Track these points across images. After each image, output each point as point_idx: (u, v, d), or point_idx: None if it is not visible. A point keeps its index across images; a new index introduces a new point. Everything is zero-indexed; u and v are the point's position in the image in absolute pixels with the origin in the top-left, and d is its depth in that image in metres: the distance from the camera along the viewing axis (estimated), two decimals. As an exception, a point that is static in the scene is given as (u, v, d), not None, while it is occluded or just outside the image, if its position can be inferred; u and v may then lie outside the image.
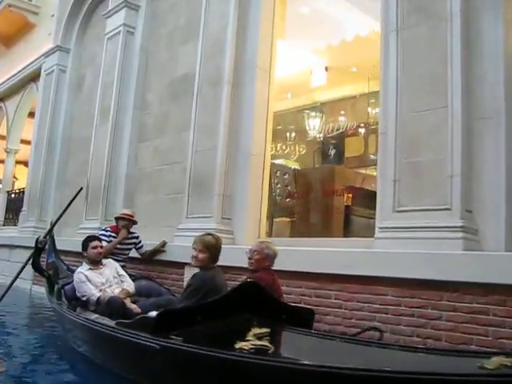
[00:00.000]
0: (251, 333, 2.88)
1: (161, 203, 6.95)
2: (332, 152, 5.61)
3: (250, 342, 2.69)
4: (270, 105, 5.82)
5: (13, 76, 11.92)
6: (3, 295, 6.83)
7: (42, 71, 10.35)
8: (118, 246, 5.68)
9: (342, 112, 8.83)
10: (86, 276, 4.66)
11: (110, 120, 7.76)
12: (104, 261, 5.02)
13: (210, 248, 3.69)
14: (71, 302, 4.70)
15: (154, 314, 3.32)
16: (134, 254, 6.18)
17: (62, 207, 9.32)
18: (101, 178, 7.68)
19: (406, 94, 4.19)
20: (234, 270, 5.10)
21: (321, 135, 8.84)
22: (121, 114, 7.76)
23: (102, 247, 5.02)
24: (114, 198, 7.62)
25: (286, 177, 6.19)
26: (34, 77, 11.23)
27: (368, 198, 5.53)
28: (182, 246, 5.78)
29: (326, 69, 8.75)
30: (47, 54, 10.17)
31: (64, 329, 4.78)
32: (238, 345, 2.65)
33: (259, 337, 2.82)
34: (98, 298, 4.49)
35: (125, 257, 5.82)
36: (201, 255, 3.66)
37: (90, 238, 5.07)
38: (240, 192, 5.62)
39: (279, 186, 6.13)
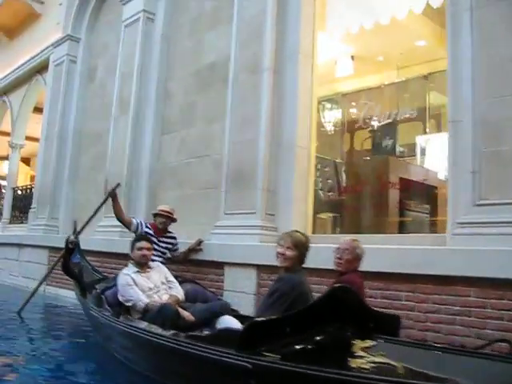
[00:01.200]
0: (357, 347, 2.53)
1: (189, 199, 6.56)
2: (385, 142, 5.23)
3: (365, 359, 2.34)
4: (313, 93, 5.46)
5: (17, 68, 11.40)
6: (27, 302, 6.45)
7: (51, 62, 9.89)
8: (156, 247, 5.31)
9: (370, 101, 8.46)
10: (134, 279, 4.27)
11: (129, 111, 7.35)
12: (152, 264, 4.61)
13: (300, 246, 3.25)
14: (114, 308, 4.30)
15: (233, 325, 2.95)
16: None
17: (75, 204, 9.02)
18: (121, 173, 7.27)
19: (483, 78, 3.83)
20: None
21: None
22: (141, 105, 7.37)
23: (149, 249, 4.59)
24: (135, 194, 7.23)
25: (326, 169, 5.83)
26: (41, 69, 10.75)
27: (421, 192, 5.21)
28: (220, 245, 5.44)
29: (352, 58, 8.40)
30: (56, 44, 9.70)
31: (107, 339, 4.37)
32: (354, 363, 2.30)
33: (370, 352, 2.47)
34: (147, 305, 4.10)
35: (164, 257, 5.44)
36: (289, 252, 3.22)
37: (137, 237, 4.68)
38: (284, 186, 5.25)
39: (320, 179, 5.77)
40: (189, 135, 6.80)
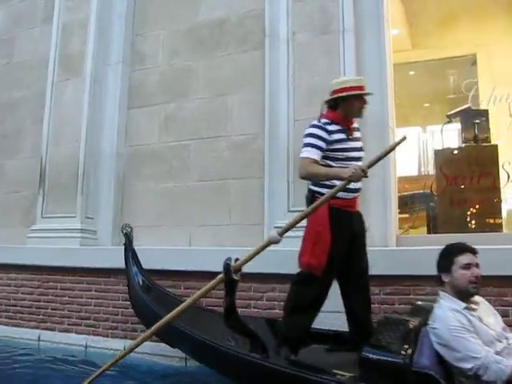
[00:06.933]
0: None
1: (186, 193, 5.07)
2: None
3: None
4: (392, 63, 4.51)
5: None
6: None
7: None
8: (352, 154, 3.26)
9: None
10: (471, 322, 2.52)
11: (84, 74, 5.43)
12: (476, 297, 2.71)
13: None
14: None
15: None
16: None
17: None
18: (73, 158, 5.33)
19: None
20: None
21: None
22: (99, 67, 5.51)
23: (478, 266, 2.65)
24: (96, 186, 5.36)
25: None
26: None
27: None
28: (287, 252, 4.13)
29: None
30: None
31: None
32: None
33: None
34: None
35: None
36: None
37: (456, 248, 2.74)
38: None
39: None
40: (181, 110, 5.26)
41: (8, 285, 5.36)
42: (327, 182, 3.13)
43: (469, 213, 4.27)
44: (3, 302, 5.36)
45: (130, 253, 3.96)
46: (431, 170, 7.54)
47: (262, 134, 4.67)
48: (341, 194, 3.10)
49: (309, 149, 3.14)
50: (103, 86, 5.48)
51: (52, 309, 5.05)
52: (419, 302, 3.14)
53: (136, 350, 4.23)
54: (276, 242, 2.96)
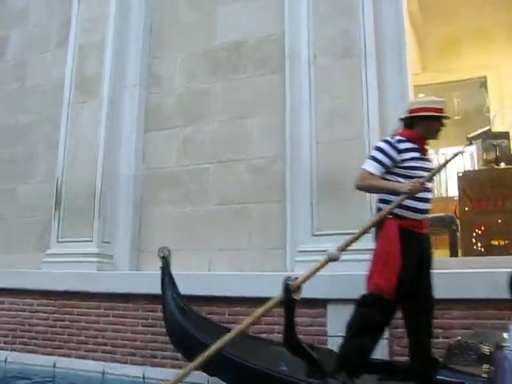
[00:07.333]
0: None
1: (204, 217, 5.02)
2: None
3: None
4: (412, 84, 4.53)
5: None
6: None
7: None
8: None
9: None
10: None
11: (101, 96, 5.41)
12: None
13: None
14: None
15: None
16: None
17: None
18: (90, 180, 5.28)
19: None
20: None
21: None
22: (116, 89, 5.50)
23: None
24: (113, 210, 5.30)
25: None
26: None
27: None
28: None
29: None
30: None
31: None
32: None
33: None
34: None
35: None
36: None
37: None
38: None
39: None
40: (199, 133, 5.24)
41: (23, 310, 5.25)
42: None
43: (493, 235, 4.24)
44: (18, 327, 5.23)
45: (167, 277, 3.85)
46: (444, 192, 7.56)
47: (282, 156, 4.65)
48: (410, 215, 3.08)
49: (371, 162, 3.14)
50: (120, 108, 5.46)
51: (68, 335, 4.94)
52: (476, 328, 3.08)
53: (149, 376, 4.33)
54: (335, 258, 2.90)
